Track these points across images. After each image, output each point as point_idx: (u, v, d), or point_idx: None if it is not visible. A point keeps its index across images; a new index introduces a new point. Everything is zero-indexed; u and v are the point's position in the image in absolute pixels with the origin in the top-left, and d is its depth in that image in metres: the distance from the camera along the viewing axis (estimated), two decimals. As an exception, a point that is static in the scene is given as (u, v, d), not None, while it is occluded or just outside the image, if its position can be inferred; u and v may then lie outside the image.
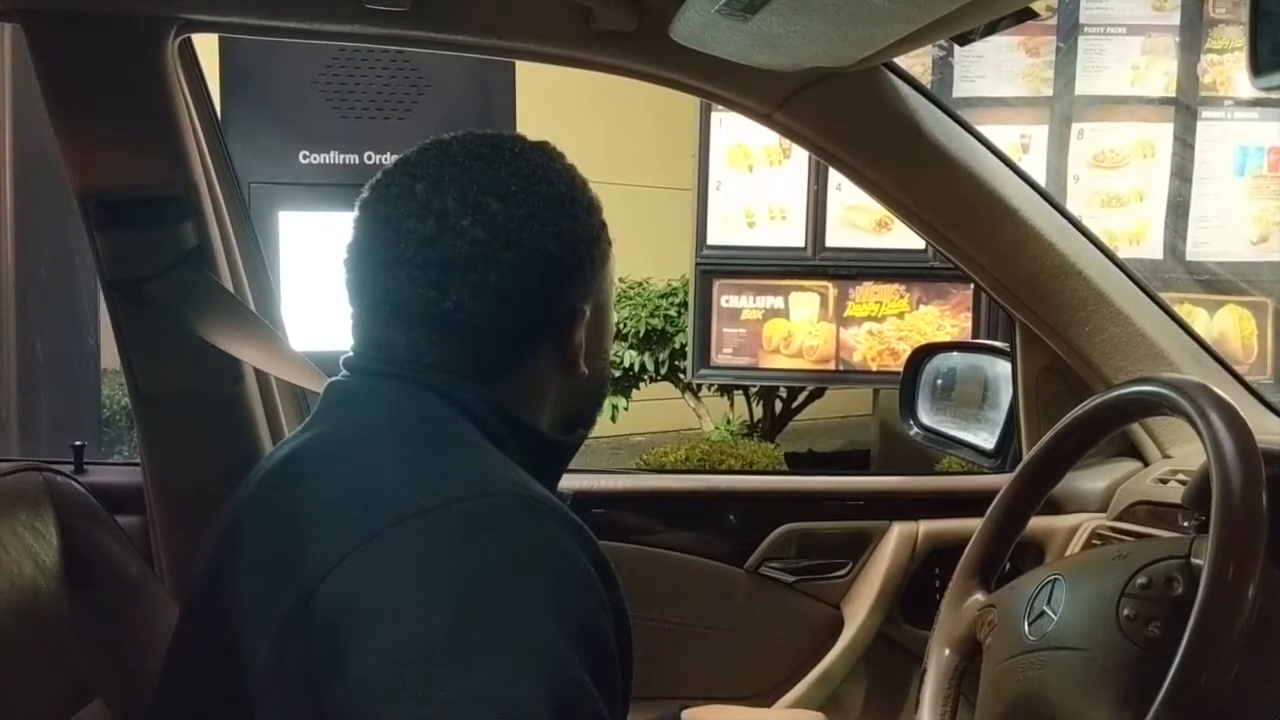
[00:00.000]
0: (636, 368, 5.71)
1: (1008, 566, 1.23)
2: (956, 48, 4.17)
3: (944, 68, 4.44)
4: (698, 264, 4.71)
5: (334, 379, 0.99)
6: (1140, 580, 0.96)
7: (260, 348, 1.39)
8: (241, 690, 0.83)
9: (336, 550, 0.80)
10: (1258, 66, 0.76)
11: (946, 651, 1.18)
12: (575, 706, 0.73)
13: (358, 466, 0.88)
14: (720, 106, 1.67)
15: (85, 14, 1.26)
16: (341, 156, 2.80)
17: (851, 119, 1.45)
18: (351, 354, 0.98)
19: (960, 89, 4.46)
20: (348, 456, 0.90)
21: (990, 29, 1.25)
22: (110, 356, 1.47)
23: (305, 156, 2.80)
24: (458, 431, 0.90)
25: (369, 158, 2.78)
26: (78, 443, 1.52)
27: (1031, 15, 1.17)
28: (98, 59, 1.28)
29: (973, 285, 2.87)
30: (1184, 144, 4.37)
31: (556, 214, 0.96)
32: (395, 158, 0.98)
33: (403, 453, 0.88)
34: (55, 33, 1.27)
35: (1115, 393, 1.12)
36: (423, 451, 0.88)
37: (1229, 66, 4.31)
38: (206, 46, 1.84)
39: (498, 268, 0.92)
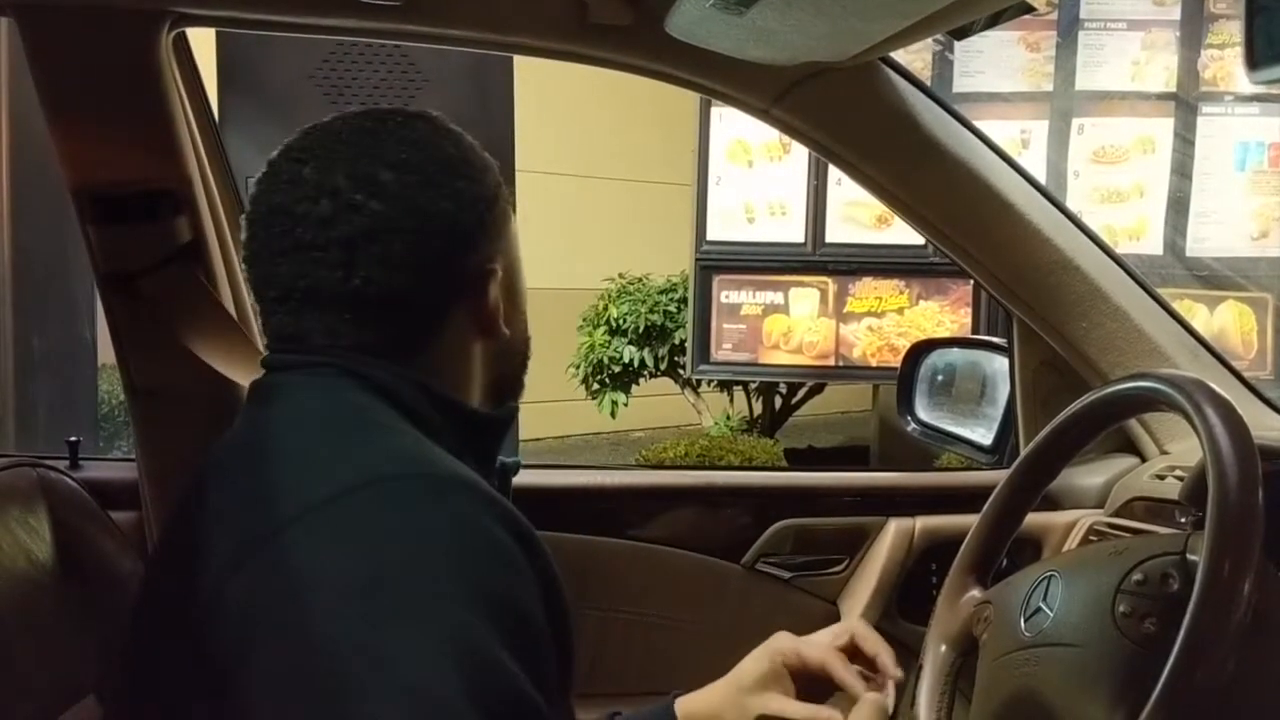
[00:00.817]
0: (636, 363, 5.71)
1: (1005, 562, 1.22)
2: (956, 42, 4.17)
3: (944, 63, 4.44)
4: (697, 259, 4.71)
5: (254, 379, 0.98)
6: (1136, 577, 0.96)
7: (233, 351, 1.38)
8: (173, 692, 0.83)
9: (240, 552, 0.80)
10: (1254, 60, 0.76)
11: (943, 648, 1.18)
12: (493, 688, 0.72)
13: (264, 464, 0.87)
14: (720, 102, 1.66)
15: (79, 7, 1.26)
16: (339, 151, 2.80)
17: (848, 114, 1.45)
18: (266, 352, 0.97)
19: (960, 84, 4.46)
20: (256, 456, 0.89)
21: (989, 23, 1.24)
22: (107, 351, 1.47)
23: (303, 151, 2.80)
24: (369, 416, 0.89)
25: (366, 152, 2.78)
26: (72, 438, 1.52)
27: (1028, 9, 1.17)
28: (91, 52, 1.28)
29: (972, 280, 2.88)
30: (1184, 139, 4.36)
31: (451, 177, 0.95)
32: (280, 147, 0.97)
33: (308, 444, 0.87)
34: (49, 26, 1.26)
35: (1112, 389, 1.12)
36: (328, 441, 0.87)
37: (1229, 62, 4.30)
38: (204, 40, 1.83)
39: (400, 237, 0.91)
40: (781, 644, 1.14)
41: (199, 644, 0.80)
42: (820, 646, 1.12)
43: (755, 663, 1.14)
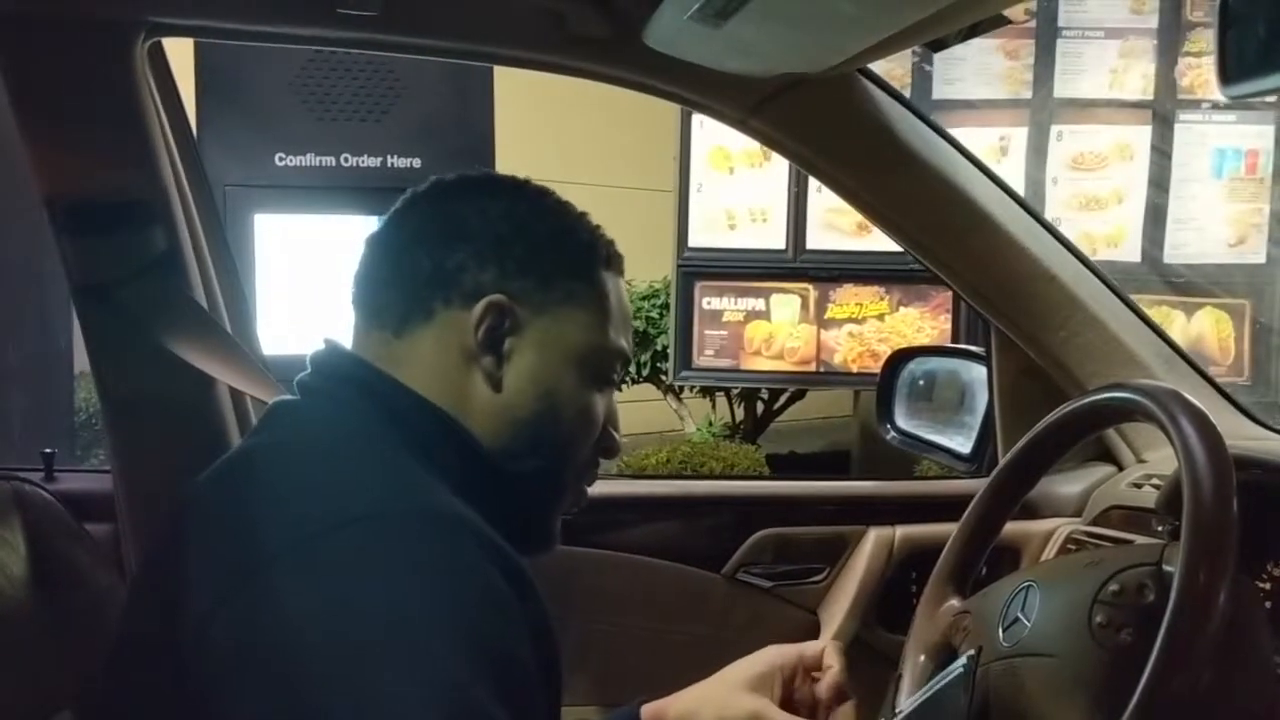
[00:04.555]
0: (618, 369, 5.69)
1: (984, 571, 1.22)
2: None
3: (924, 70, 4.45)
4: (679, 266, 4.71)
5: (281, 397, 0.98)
6: (1112, 587, 0.96)
7: (219, 356, 1.38)
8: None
9: (227, 585, 0.78)
10: (1226, 75, 0.76)
11: (921, 658, 1.18)
12: None
13: (255, 492, 0.86)
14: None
15: (52, 17, 1.25)
16: (318, 159, 2.80)
17: (825, 124, 1.45)
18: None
19: (940, 91, 4.47)
20: (249, 481, 0.88)
21: (965, 35, 1.25)
22: (84, 359, 1.46)
23: (282, 159, 2.80)
24: (375, 443, 0.88)
25: (345, 160, 2.77)
26: (48, 450, 1.50)
27: (1005, 22, 1.17)
28: (65, 62, 1.27)
29: (952, 287, 2.90)
30: (1162, 146, 4.38)
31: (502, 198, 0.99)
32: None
33: (302, 472, 0.86)
34: (21, 35, 1.25)
35: (1088, 399, 1.12)
36: (324, 469, 0.86)
37: (1207, 69, 4.32)
38: (183, 48, 1.82)
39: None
40: (776, 650, 1.14)
41: (183, 677, 0.78)
42: (818, 644, 1.14)
43: (748, 664, 1.13)
